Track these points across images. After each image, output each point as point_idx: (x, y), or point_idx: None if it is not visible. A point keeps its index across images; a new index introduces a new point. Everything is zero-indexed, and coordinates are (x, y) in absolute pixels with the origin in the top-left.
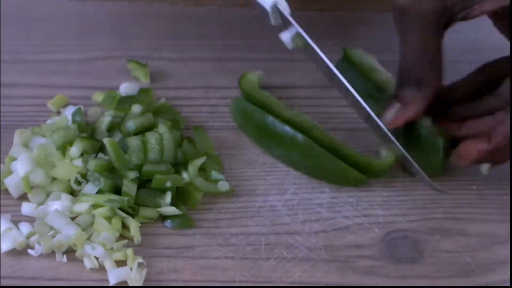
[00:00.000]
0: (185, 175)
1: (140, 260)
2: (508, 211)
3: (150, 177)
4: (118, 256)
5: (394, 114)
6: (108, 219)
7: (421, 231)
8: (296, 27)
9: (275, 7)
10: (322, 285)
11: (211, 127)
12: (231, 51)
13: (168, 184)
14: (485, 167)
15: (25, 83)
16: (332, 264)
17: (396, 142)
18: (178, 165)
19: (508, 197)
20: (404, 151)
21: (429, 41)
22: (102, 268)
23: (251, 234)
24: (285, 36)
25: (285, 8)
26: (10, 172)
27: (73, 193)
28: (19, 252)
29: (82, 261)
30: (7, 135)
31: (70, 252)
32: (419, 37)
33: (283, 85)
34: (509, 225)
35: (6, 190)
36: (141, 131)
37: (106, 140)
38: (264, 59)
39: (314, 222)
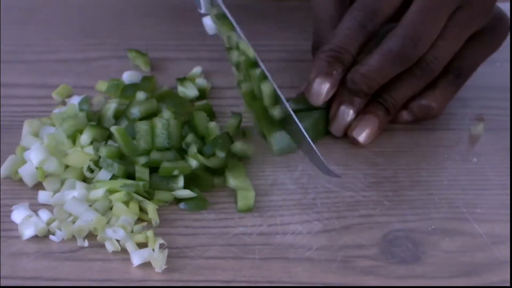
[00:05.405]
0: (192, 163)
1: (161, 241)
2: (508, 211)
3: (158, 165)
4: (139, 238)
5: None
6: (125, 203)
7: (421, 231)
8: (222, 8)
9: None
10: (321, 285)
11: None
12: None
13: (175, 173)
14: (479, 127)
15: (25, 83)
16: (331, 264)
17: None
18: (183, 151)
19: (508, 197)
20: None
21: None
22: (102, 268)
23: (251, 234)
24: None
25: None
26: (23, 162)
27: (85, 180)
28: (19, 252)
29: (82, 260)
30: (7, 135)
31: (90, 237)
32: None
33: (282, 85)
34: (509, 225)
35: (19, 179)
36: (145, 117)
37: (113, 129)
38: (263, 59)
39: (313, 222)
